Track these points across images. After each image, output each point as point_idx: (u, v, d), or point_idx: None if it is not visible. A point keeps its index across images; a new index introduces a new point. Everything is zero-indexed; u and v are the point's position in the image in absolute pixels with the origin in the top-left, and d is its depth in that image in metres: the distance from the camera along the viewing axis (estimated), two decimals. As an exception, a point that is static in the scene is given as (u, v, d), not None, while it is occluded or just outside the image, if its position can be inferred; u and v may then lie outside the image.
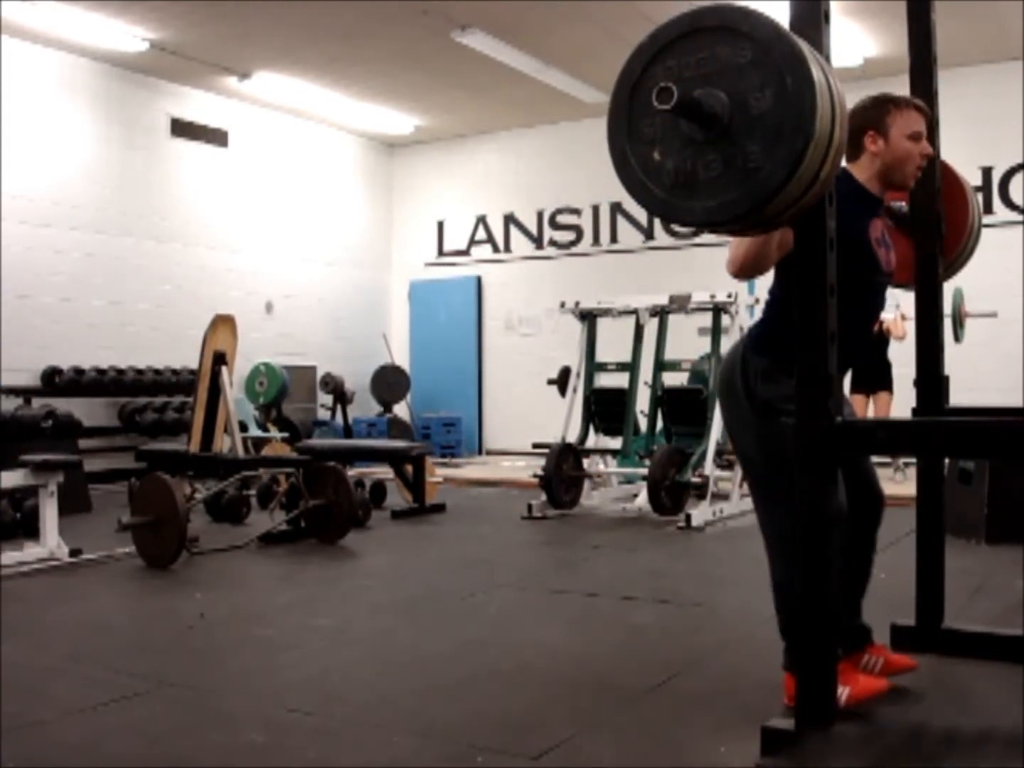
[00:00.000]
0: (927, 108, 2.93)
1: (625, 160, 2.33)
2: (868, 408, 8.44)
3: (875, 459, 9.27)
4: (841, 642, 2.81)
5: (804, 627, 2.29)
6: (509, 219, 12.27)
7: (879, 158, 2.83)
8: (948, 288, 3.49)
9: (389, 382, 11.70)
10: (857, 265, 2.71)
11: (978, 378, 7.92)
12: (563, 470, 7.06)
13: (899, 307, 8.23)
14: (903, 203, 3.24)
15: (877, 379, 8.40)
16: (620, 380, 7.54)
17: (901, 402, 8.19)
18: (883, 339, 8.44)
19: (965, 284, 8.05)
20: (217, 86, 10.38)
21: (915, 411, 3.29)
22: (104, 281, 9.48)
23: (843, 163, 2.65)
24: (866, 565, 2.99)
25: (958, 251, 3.40)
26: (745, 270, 2.67)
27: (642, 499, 6.89)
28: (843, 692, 2.67)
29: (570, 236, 11.91)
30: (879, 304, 2.94)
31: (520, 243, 12.23)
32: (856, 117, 2.81)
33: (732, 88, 2.19)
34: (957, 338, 7.80)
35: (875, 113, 2.85)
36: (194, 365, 6.62)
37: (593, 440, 7.60)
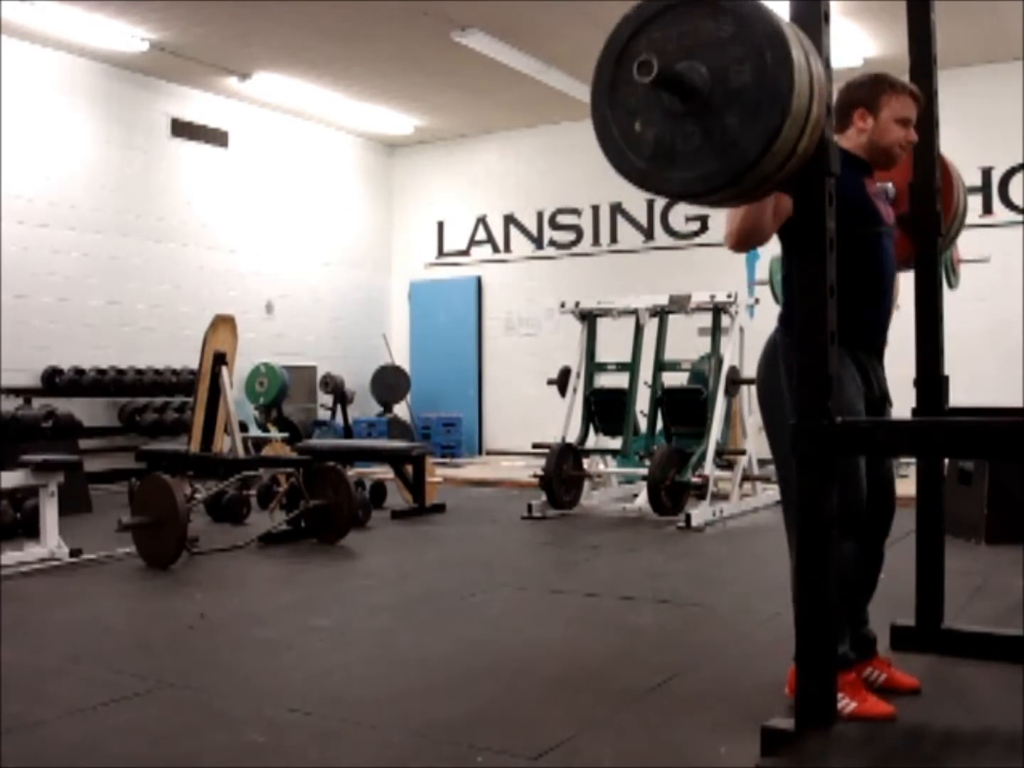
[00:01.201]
0: (921, 95, 2.95)
1: (607, 129, 2.36)
2: None
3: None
4: (855, 650, 2.82)
5: (804, 627, 2.29)
6: (509, 219, 12.27)
7: (865, 134, 2.89)
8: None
9: (389, 382, 11.70)
10: (861, 219, 2.77)
11: (978, 378, 7.92)
12: (563, 470, 7.06)
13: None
14: (889, 184, 3.25)
15: None
16: (620, 380, 7.54)
17: (902, 402, 8.20)
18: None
19: (965, 284, 8.07)
20: (217, 86, 10.38)
21: (915, 411, 3.29)
22: (103, 281, 9.47)
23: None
24: (873, 574, 2.97)
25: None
26: (743, 241, 2.71)
27: (642, 499, 6.89)
28: (848, 705, 2.65)
29: (570, 236, 11.91)
30: (890, 254, 2.93)
31: (520, 243, 12.23)
32: (850, 92, 2.89)
33: (713, 62, 2.22)
34: (950, 284, 7.77)
35: (869, 92, 2.89)
36: (194, 365, 6.62)
37: (593, 440, 7.61)
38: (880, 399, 2.95)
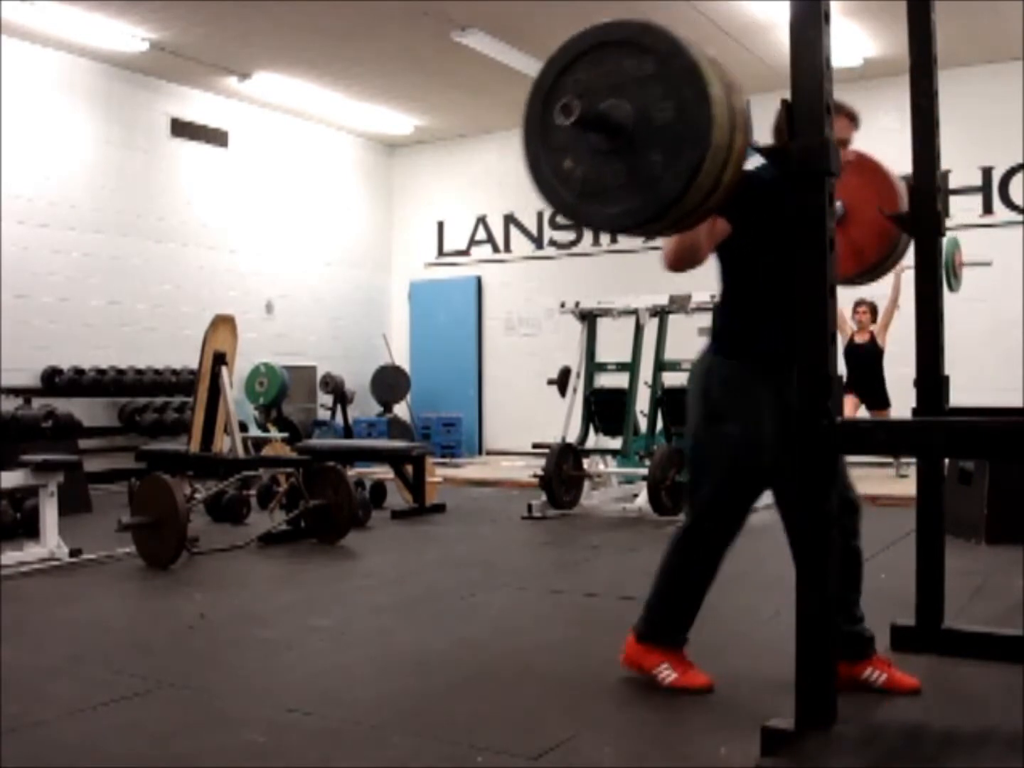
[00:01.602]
0: (858, 117, 3.00)
1: (538, 166, 2.46)
2: (859, 411, 8.45)
3: (875, 459, 9.30)
4: (848, 648, 2.85)
5: (804, 627, 2.29)
6: (509, 219, 12.27)
7: None
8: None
9: (389, 382, 11.70)
10: (794, 240, 2.80)
11: (978, 378, 7.92)
12: (563, 470, 7.06)
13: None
14: (838, 202, 3.30)
15: (875, 396, 8.41)
16: (620, 380, 7.54)
17: (901, 402, 8.21)
18: (877, 351, 8.45)
19: (966, 285, 8.08)
20: (217, 86, 10.38)
21: (915, 411, 3.28)
22: (103, 281, 9.48)
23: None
24: (854, 570, 2.97)
25: (888, 250, 3.41)
26: (678, 263, 2.83)
27: (642, 499, 6.89)
28: (669, 675, 2.98)
29: (570, 236, 11.91)
30: None
31: (520, 243, 12.22)
32: (788, 113, 2.90)
33: (636, 100, 2.29)
34: (951, 287, 7.81)
35: None
36: (194, 365, 6.62)
37: (593, 440, 7.60)
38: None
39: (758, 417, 2.89)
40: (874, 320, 8.53)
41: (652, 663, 3.03)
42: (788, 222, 2.82)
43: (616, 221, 2.42)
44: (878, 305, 8.55)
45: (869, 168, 3.35)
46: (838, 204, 3.29)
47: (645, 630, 3.07)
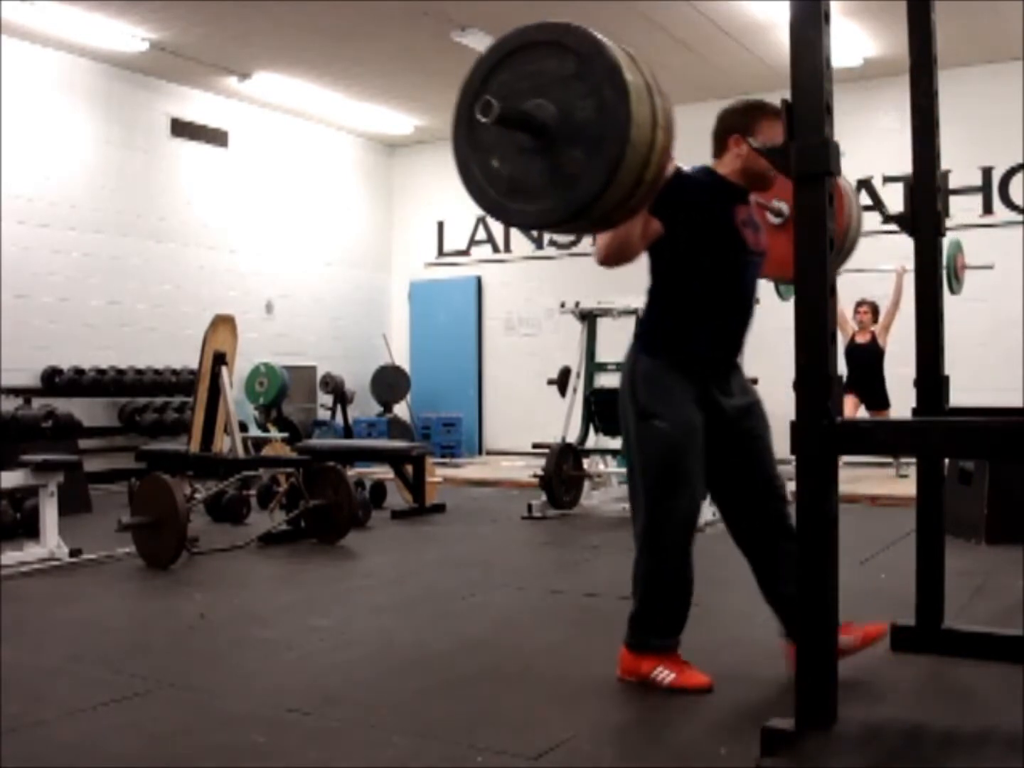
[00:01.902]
0: None
1: (467, 167, 2.53)
2: (859, 411, 8.45)
3: (875, 459, 9.28)
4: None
5: (804, 627, 2.29)
6: (509, 219, 12.25)
7: (740, 160, 3.02)
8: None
9: (389, 382, 11.70)
10: (725, 244, 2.97)
11: (978, 378, 7.92)
12: (563, 470, 7.06)
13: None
14: (783, 204, 3.37)
15: (875, 396, 8.40)
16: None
17: (901, 402, 8.21)
18: (878, 352, 8.45)
19: (965, 284, 8.08)
20: (217, 86, 10.38)
21: (915, 411, 3.29)
22: (103, 281, 9.48)
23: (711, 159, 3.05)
24: (772, 553, 3.07)
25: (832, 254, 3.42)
26: (609, 259, 2.91)
27: (642, 499, 6.87)
28: (667, 676, 2.96)
29: (570, 236, 11.90)
30: (753, 279, 3.12)
31: (520, 243, 12.22)
32: (726, 118, 3.06)
33: (560, 99, 2.35)
34: (952, 290, 7.84)
35: (744, 119, 3.03)
36: (194, 365, 6.62)
37: (593, 440, 7.60)
38: (741, 408, 3.09)
39: (686, 409, 2.97)
40: (875, 320, 8.53)
41: (648, 668, 3.03)
42: (718, 228, 2.95)
43: (541, 219, 2.47)
44: (879, 306, 8.56)
45: None
46: (783, 206, 3.37)
47: (636, 640, 3.08)
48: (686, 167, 3.04)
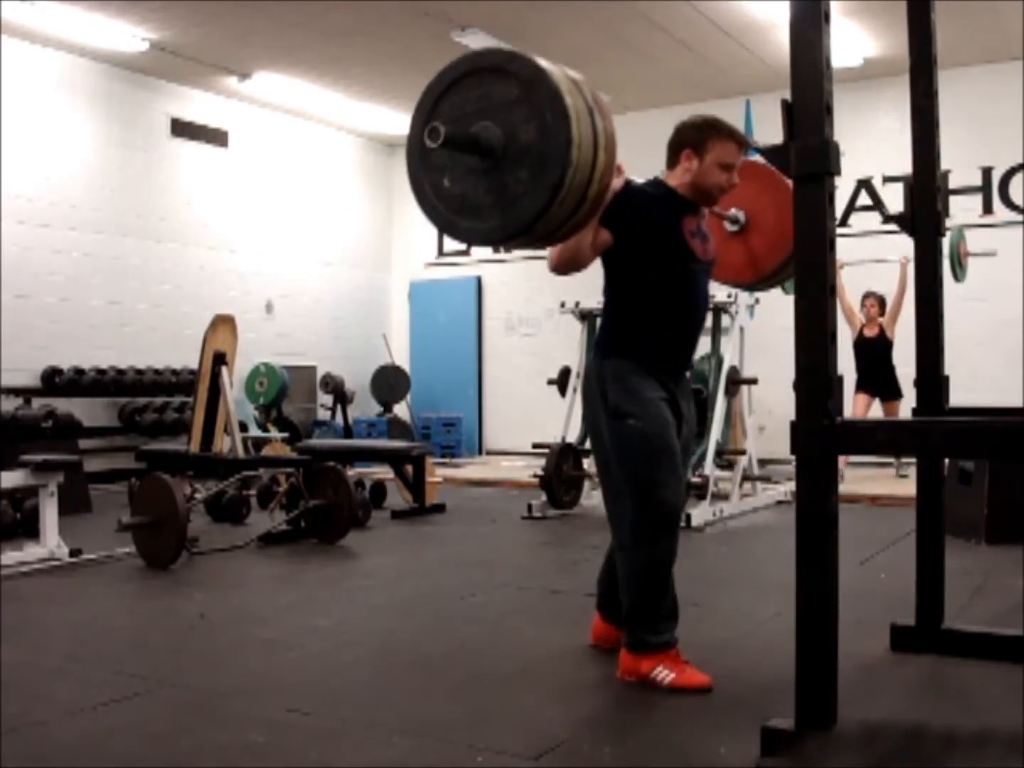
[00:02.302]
0: (748, 142, 3.16)
1: (420, 186, 2.66)
2: (871, 409, 8.44)
3: (875, 459, 9.27)
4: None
5: (804, 627, 2.29)
6: (509, 219, 12.25)
7: (690, 174, 3.11)
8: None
9: (389, 382, 11.70)
10: (672, 255, 3.06)
11: (978, 378, 7.92)
12: (563, 470, 7.06)
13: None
14: (741, 212, 3.47)
15: (886, 387, 8.39)
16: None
17: (903, 401, 8.20)
18: (886, 343, 8.44)
19: (966, 284, 8.09)
20: (217, 86, 10.38)
21: (915, 411, 3.29)
22: (103, 281, 9.48)
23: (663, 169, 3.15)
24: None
25: (784, 259, 3.45)
26: (559, 268, 3.04)
27: (642, 499, 6.88)
28: (667, 676, 3.00)
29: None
30: (702, 289, 3.21)
31: (520, 243, 12.20)
32: (681, 133, 3.14)
33: (505, 122, 2.49)
34: (957, 278, 7.83)
35: (697, 135, 3.11)
36: (194, 365, 6.62)
37: (593, 440, 7.59)
38: (688, 418, 3.26)
39: (657, 406, 3.05)
40: (882, 313, 8.51)
41: (648, 667, 3.03)
42: (665, 239, 3.03)
43: (489, 235, 2.62)
44: (886, 298, 8.53)
45: (764, 174, 3.40)
46: (741, 214, 3.43)
47: (634, 640, 3.09)
48: (639, 179, 3.13)
